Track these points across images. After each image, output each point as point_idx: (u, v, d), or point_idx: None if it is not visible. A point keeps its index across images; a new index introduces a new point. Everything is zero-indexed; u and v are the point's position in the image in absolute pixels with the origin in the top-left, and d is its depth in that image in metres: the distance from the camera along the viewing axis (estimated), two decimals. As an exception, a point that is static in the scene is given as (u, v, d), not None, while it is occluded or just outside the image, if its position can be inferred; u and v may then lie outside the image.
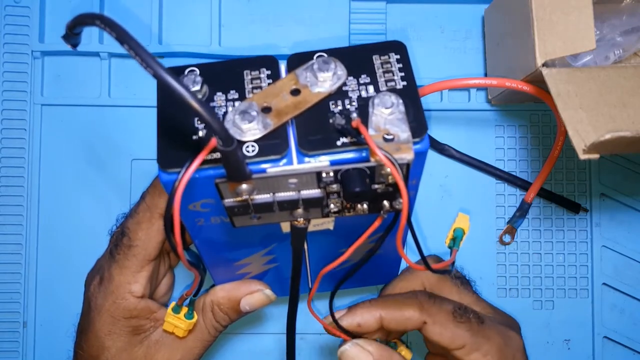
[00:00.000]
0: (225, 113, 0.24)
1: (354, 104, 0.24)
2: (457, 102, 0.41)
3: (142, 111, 0.41)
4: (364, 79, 0.25)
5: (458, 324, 0.31)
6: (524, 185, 0.40)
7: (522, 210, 0.40)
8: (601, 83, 0.30)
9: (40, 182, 0.40)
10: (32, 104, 0.40)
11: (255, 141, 0.23)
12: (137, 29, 0.41)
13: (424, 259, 0.29)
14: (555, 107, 0.29)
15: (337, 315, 0.33)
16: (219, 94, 0.25)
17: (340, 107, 0.24)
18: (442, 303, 0.32)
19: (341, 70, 0.24)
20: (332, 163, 0.23)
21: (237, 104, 0.24)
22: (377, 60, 0.26)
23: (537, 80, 0.32)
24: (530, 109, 0.41)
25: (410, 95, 0.24)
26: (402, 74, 0.25)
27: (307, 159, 0.23)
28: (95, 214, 0.40)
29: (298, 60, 0.25)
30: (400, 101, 0.23)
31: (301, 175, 0.23)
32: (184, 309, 0.32)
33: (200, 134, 0.24)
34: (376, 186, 0.24)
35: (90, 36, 0.40)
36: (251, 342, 0.41)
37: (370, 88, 0.25)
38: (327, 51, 0.26)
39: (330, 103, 0.24)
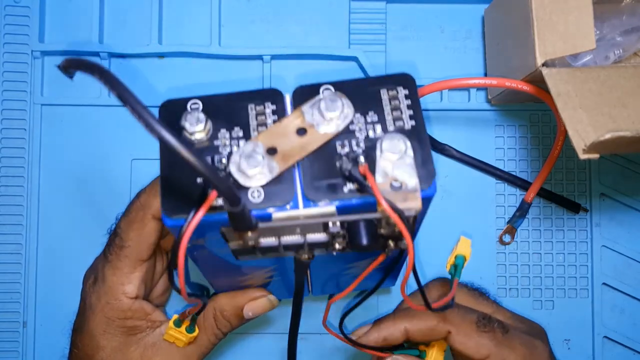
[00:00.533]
0: (230, 153, 0.24)
1: (361, 145, 0.24)
2: (457, 102, 0.41)
3: (142, 111, 0.40)
4: (372, 116, 0.24)
5: (482, 333, 0.31)
6: (524, 185, 0.40)
7: (522, 210, 0.40)
8: (601, 83, 0.30)
9: (40, 182, 0.40)
10: (32, 104, 0.40)
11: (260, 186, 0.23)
12: (137, 29, 0.41)
13: (424, 298, 0.29)
14: (555, 107, 0.29)
15: (362, 330, 0.33)
16: (223, 131, 0.24)
17: (347, 149, 0.24)
18: (466, 313, 0.32)
19: (348, 108, 0.24)
20: (339, 207, 0.23)
21: (241, 142, 0.24)
22: (384, 95, 0.25)
23: (537, 80, 0.32)
24: (530, 109, 0.41)
25: (418, 137, 0.24)
26: (411, 112, 0.24)
27: (313, 204, 0.23)
28: (95, 214, 0.40)
29: (304, 93, 0.25)
30: (409, 145, 0.23)
31: (307, 224, 0.23)
32: (186, 322, 0.32)
33: None
34: (382, 231, 0.24)
35: (90, 36, 0.40)
36: (251, 342, 0.41)
37: (378, 127, 0.24)
38: (334, 84, 0.25)
39: (337, 143, 0.24)
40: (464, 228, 0.40)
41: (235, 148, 0.24)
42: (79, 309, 0.34)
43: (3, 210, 0.40)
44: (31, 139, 0.40)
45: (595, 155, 0.28)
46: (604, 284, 0.41)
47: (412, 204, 0.22)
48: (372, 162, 0.23)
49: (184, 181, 0.24)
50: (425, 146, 0.24)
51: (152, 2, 0.41)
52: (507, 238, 0.41)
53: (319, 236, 0.24)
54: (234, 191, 0.21)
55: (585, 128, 0.28)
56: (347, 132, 0.24)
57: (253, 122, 0.25)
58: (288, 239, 0.24)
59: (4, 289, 0.40)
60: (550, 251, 0.41)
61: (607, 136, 0.27)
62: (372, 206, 0.22)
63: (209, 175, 0.20)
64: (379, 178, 0.23)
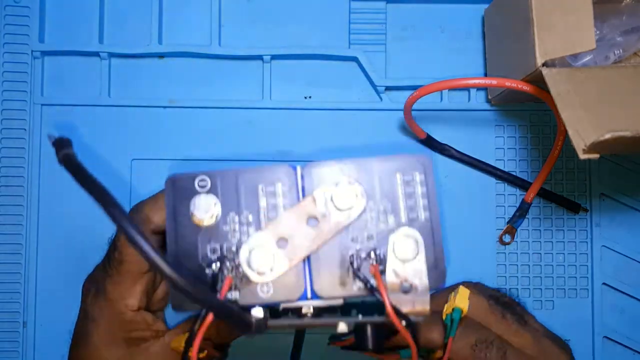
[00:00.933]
0: (239, 241, 0.24)
1: (373, 238, 0.24)
2: (457, 102, 0.41)
3: (142, 111, 0.41)
4: (385, 204, 0.24)
5: (475, 358, 0.30)
6: (524, 185, 0.40)
7: (522, 210, 0.40)
8: (601, 83, 0.30)
9: (40, 182, 0.40)
10: (32, 104, 0.40)
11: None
12: (137, 29, 0.41)
13: None
14: (555, 107, 0.29)
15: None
16: (232, 214, 0.24)
17: (358, 242, 0.24)
18: (466, 333, 0.31)
19: (362, 197, 0.24)
20: (346, 298, 0.24)
21: (251, 230, 0.24)
22: (399, 179, 0.24)
23: (537, 80, 0.32)
24: (530, 109, 0.41)
25: (432, 231, 0.24)
26: (426, 201, 0.24)
27: (321, 298, 0.24)
28: (95, 214, 0.40)
29: (315, 171, 0.24)
30: (422, 243, 0.23)
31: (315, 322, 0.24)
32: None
33: (214, 267, 0.23)
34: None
35: (90, 36, 0.40)
36: (252, 342, 0.41)
37: (391, 218, 0.24)
38: (348, 162, 0.25)
39: (349, 235, 0.24)
40: (464, 228, 0.40)
41: (244, 237, 0.24)
42: (79, 319, 0.33)
43: (3, 210, 0.40)
44: (31, 139, 0.40)
45: (595, 155, 0.28)
46: (604, 284, 0.41)
47: (420, 309, 0.22)
48: (382, 258, 0.23)
49: (193, 268, 0.24)
50: (438, 242, 0.24)
51: (152, 2, 0.41)
52: (507, 238, 0.41)
53: (325, 321, 0.24)
54: (245, 319, 0.21)
55: (585, 128, 0.28)
56: (359, 222, 0.24)
57: (263, 205, 0.24)
58: (295, 321, 0.24)
59: (4, 289, 0.40)
60: (550, 251, 0.41)
61: (607, 136, 0.27)
62: (381, 303, 0.22)
63: (223, 313, 0.21)
64: (389, 277, 0.22)
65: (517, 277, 0.41)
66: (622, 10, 0.37)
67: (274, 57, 0.41)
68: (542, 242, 0.41)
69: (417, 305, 0.22)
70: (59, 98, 0.41)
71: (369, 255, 0.23)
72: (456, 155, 0.41)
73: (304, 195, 0.24)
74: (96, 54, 0.40)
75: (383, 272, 0.23)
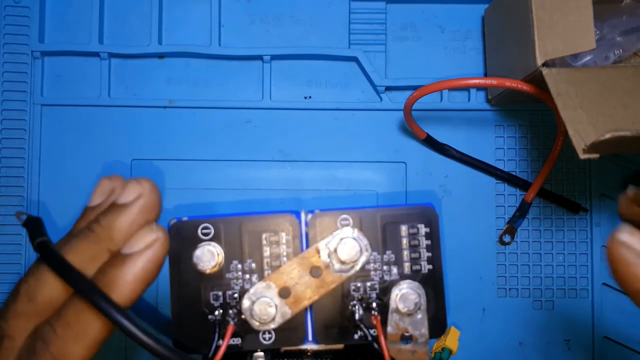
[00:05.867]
0: (242, 289, 0.24)
1: (375, 288, 0.24)
2: (457, 102, 0.41)
3: (142, 111, 0.41)
4: (389, 255, 0.24)
5: None
6: (524, 185, 0.40)
7: (522, 210, 0.40)
8: (601, 83, 0.30)
9: (40, 182, 0.40)
10: (32, 104, 0.40)
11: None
12: (137, 29, 0.41)
13: None
14: (555, 107, 0.29)
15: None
16: (235, 262, 0.24)
17: (361, 292, 0.24)
18: None
19: (366, 250, 0.24)
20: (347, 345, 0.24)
21: (254, 278, 0.24)
22: (404, 232, 0.25)
23: (537, 80, 0.32)
24: (530, 109, 0.41)
25: (434, 284, 0.24)
26: (429, 254, 0.24)
27: (322, 344, 0.24)
28: (95, 214, 0.40)
29: (319, 222, 0.25)
30: (423, 297, 0.23)
31: None
32: None
33: (217, 313, 0.24)
34: None
35: (90, 36, 0.40)
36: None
37: (394, 269, 0.24)
38: (353, 212, 0.25)
39: (351, 285, 0.24)
40: (464, 228, 0.40)
41: (247, 285, 0.24)
42: None
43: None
44: (31, 139, 0.40)
45: (595, 155, 0.28)
46: (604, 284, 0.41)
47: None
48: (384, 309, 0.23)
49: (196, 313, 0.24)
50: (440, 294, 0.24)
51: (152, 2, 0.41)
52: (507, 238, 0.41)
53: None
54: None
55: (585, 128, 0.28)
56: (362, 272, 0.24)
57: (266, 254, 0.24)
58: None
59: (4, 289, 0.39)
60: (550, 251, 0.41)
61: (607, 136, 0.27)
62: (380, 353, 0.23)
63: None
64: (390, 328, 0.23)
65: (517, 277, 0.41)
66: (622, 10, 0.37)
67: (274, 57, 0.41)
68: (542, 242, 0.41)
69: (417, 356, 0.23)
70: (59, 98, 0.41)
71: (370, 305, 0.24)
72: (456, 155, 0.41)
73: (307, 243, 0.24)
74: (96, 54, 0.40)
75: (384, 322, 0.23)
